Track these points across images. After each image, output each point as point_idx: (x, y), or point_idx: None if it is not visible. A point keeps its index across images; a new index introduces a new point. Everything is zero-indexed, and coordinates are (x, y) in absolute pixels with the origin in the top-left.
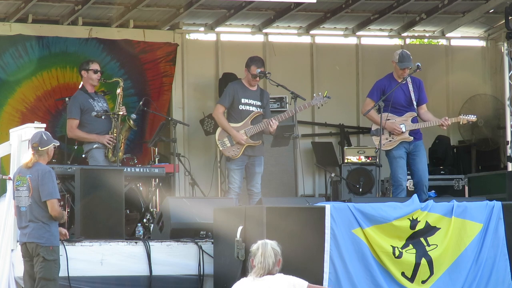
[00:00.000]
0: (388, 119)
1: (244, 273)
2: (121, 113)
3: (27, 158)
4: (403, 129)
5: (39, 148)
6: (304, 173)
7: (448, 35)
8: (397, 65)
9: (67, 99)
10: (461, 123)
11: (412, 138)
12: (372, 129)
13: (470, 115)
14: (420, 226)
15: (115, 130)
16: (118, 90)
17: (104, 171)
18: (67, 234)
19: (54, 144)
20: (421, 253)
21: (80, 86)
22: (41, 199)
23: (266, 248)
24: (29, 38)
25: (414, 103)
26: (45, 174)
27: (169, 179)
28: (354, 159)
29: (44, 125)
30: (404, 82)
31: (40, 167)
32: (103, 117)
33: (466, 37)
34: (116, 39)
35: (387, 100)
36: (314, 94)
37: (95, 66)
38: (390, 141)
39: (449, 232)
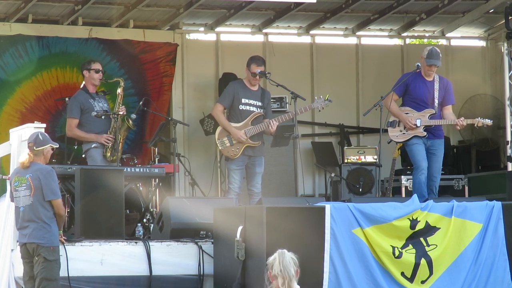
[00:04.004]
0: (407, 113)
1: (244, 273)
2: (121, 113)
3: (23, 158)
4: (418, 124)
5: (34, 147)
6: (304, 173)
7: (448, 35)
8: (424, 61)
9: (67, 99)
10: (475, 125)
11: (425, 133)
12: (389, 120)
13: (486, 119)
14: (420, 226)
15: (113, 129)
16: (119, 90)
17: (104, 171)
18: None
19: (51, 146)
20: (421, 253)
21: (81, 86)
22: (44, 198)
23: (284, 256)
24: (29, 38)
25: (436, 101)
26: (47, 174)
27: (169, 179)
28: (354, 159)
29: (44, 125)
30: (430, 79)
31: (39, 166)
32: (103, 117)
33: (466, 37)
34: (116, 39)
35: (408, 95)
36: (316, 97)
37: (96, 65)
38: (403, 133)
39: (449, 232)
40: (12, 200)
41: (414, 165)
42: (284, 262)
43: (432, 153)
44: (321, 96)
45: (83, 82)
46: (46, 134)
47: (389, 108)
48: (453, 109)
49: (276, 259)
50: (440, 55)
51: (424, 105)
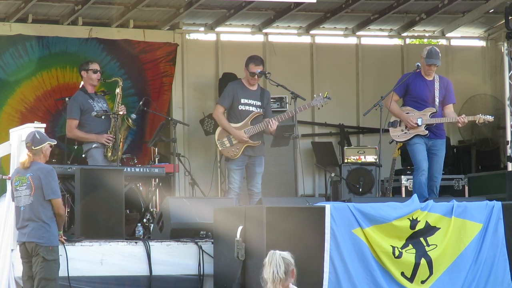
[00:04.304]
0: (407, 113)
1: (244, 273)
2: (121, 112)
3: (23, 158)
4: (419, 123)
5: (33, 147)
6: (304, 173)
7: (448, 35)
8: (424, 60)
9: (67, 99)
10: (477, 122)
11: (427, 132)
12: (390, 121)
13: (487, 116)
14: (420, 226)
15: (113, 129)
16: (117, 90)
17: (104, 171)
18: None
19: (49, 143)
20: (421, 253)
21: (80, 87)
22: (44, 197)
23: (273, 257)
24: (29, 38)
25: (437, 100)
26: (48, 173)
27: (169, 179)
28: (354, 159)
29: (44, 125)
30: (430, 79)
31: (40, 166)
32: (103, 117)
33: (466, 37)
34: (116, 39)
35: (409, 95)
36: (315, 95)
37: (94, 66)
38: (405, 133)
39: (449, 232)
40: (13, 200)
41: (415, 165)
42: (272, 264)
43: (433, 153)
44: (320, 94)
45: (81, 83)
46: (43, 132)
47: (389, 109)
48: (453, 109)
49: (266, 261)
50: (440, 54)
51: (425, 104)
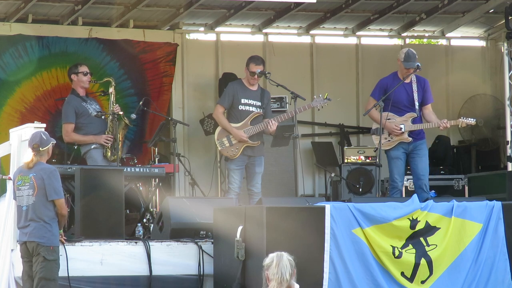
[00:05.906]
0: (389, 119)
1: (244, 273)
2: (121, 113)
3: (28, 158)
4: (403, 129)
5: (40, 148)
6: (304, 173)
7: (448, 35)
8: (402, 64)
9: (66, 99)
10: (460, 126)
11: (410, 139)
12: (372, 128)
13: (469, 119)
14: (420, 226)
15: (111, 129)
16: (110, 90)
17: (104, 171)
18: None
19: (52, 142)
20: (421, 253)
21: (71, 91)
22: (47, 198)
23: (281, 259)
24: (29, 38)
25: (416, 103)
26: (51, 173)
27: (169, 179)
28: (354, 159)
29: (44, 125)
30: (408, 81)
31: (43, 166)
32: (103, 116)
33: (466, 37)
34: (116, 39)
35: (388, 99)
36: (315, 96)
37: (84, 68)
38: (389, 141)
39: (449, 232)
40: (14, 199)
41: (391, 182)
42: (280, 265)
43: (415, 154)
44: (320, 95)
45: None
46: (46, 132)
47: (371, 116)
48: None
49: (273, 261)
50: (416, 56)
51: (405, 108)
